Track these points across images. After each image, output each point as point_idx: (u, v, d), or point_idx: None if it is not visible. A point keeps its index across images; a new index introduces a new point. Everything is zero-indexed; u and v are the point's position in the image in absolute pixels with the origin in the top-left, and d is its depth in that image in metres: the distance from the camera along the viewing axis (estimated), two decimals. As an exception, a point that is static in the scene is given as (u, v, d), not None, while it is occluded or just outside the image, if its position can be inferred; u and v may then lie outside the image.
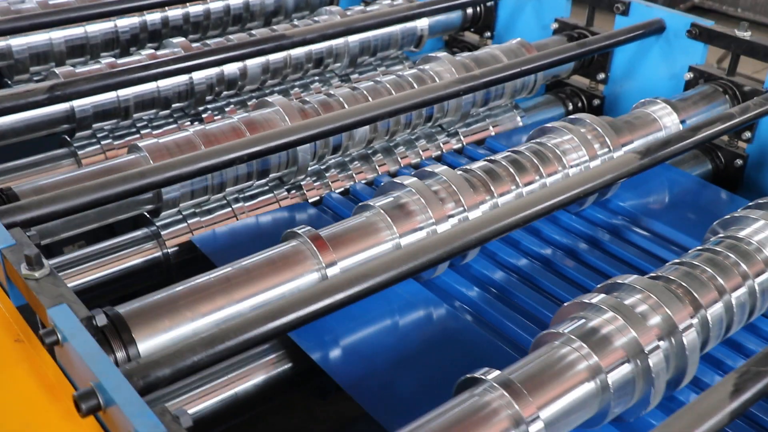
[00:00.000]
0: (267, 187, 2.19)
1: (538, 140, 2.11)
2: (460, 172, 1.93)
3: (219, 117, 2.57)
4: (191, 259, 2.04)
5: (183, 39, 2.56)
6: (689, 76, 2.57)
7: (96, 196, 1.62)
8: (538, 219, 1.71)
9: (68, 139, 2.37)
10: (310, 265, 1.65)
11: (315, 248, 1.66)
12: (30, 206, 1.56)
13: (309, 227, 1.71)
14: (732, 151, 2.47)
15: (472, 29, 3.23)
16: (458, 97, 2.28)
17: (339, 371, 1.58)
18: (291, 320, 1.33)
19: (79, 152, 2.34)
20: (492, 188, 1.92)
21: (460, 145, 2.52)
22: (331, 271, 1.65)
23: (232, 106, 2.62)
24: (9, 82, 2.68)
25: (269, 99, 2.20)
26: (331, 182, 2.27)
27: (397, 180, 1.87)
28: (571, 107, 2.87)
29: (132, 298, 1.55)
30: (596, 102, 2.86)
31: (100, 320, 1.30)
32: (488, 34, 3.18)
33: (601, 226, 2.11)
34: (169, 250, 2.03)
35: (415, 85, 2.38)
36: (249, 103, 2.64)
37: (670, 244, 2.03)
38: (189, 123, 2.53)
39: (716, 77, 2.52)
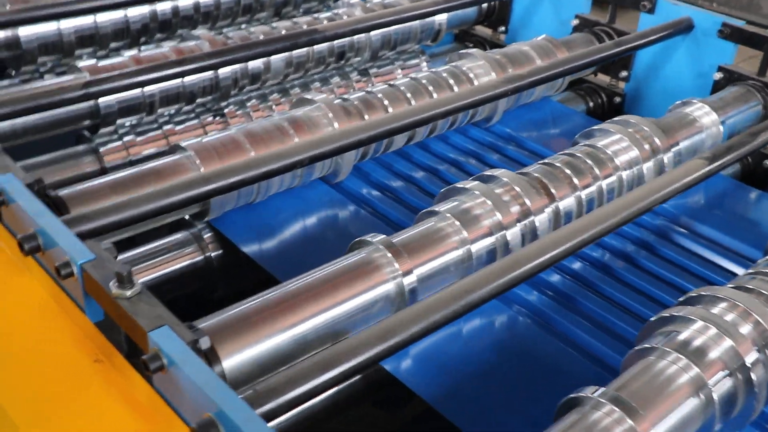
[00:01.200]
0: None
1: (588, 142, 2.07)
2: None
3: (240, 112, 2.47)
4: (234, 262, 1.97)
5: (206, 32, 2.45)
6: (719, 76, 2.55)
7: (161, 203, 1.52)
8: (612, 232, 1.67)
9: (87, 135, 2.26)
10: (385, 275, 1.57)
11: (390, 256, 1.59)
12: (95, 215, 1.46)
13: (381, 235, 1.63)
14: (761, 152, 2.47)
15: (485, 23, 3.17)
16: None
17: (415, 381, 1.53)
18: (398, 341, 1.26)
19: (101, 149, 2.23)
20: (553, 191, 1.88)
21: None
22: (408, 280, 1.58)
23: (253, 100, 2.52)
24: (12, 74, 2.54)
25: (308, 96, 2.11)
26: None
27: (459, 185, 1.81)
28: (591, 105, 2.84)
29: (175, 302, 1.48)
30: (617, 100, 2.84)
31: (204, 343, 1.21)
32: (502, 28, 3.13)
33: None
34: (212, 254, 1.94)
35: (453, 83, 2.31)
36: (270, 98, 2.55)
37: (720, 248, 2.02)
38: (212, 118, 2.43)
39: (747, 77, 2.51)
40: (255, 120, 2.04)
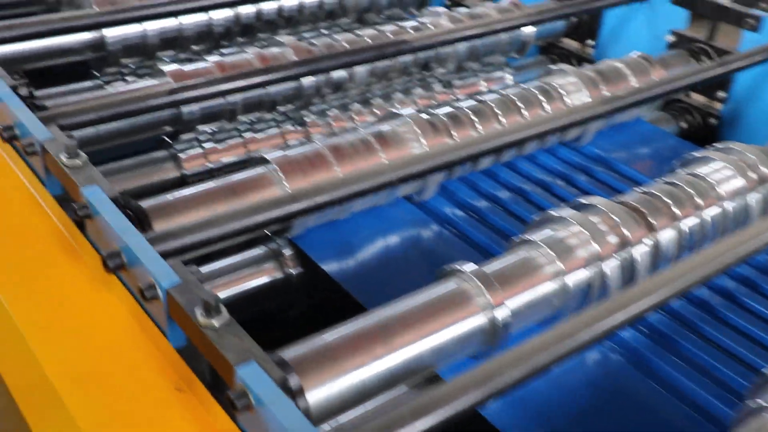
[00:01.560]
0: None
1: (689, 170, 1.95)
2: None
3: (321, 122, 2.41)
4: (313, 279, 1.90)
5: (291, 38, 2.40)
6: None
7: (247, 222, 1.46)
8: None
9: (167, 140, 2.23)
10: (477, 307, 1.49)
11: (482, 287, 1.50)
12: (180, 233, 1.41)
13: (470, 264, 1.55)
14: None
15: (573, 36, 3.06)
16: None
17: (507, 423, 1.45)
18: (498, 387, 1.18)
19: (181, 155, 2.19)
20: (652, 222, 1.77)
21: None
22: (501, 313, 1.50)
23: (335, 110, 2.46)
24: (97, 75, 2.53)
25: (395, 110, 2.04)
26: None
27: (554, 212, 1.72)
28: (685, 126, 2.71)
29: (255, 320, 1.44)
30: (713, 122, 2.70)
31: (294, 382, 1.14)
32: (591, 42, 3.01)
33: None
34: (293, 270, 1.89)
35: (544, 100, 2.22)
36: (352, 108, 2.48)
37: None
38: (292, 127, 2.37)
39: None
40: (339, 132, 1.97)
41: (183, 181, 2.19)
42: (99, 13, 2.28)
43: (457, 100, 2.43)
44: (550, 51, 3.11)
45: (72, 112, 1.76)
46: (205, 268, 1.82)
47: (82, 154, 1.50)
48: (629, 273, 1.70)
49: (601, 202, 1.75)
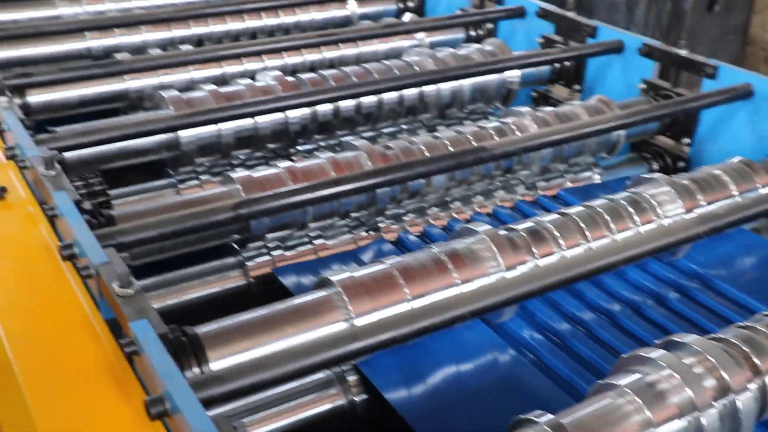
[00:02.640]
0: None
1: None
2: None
3: (395, 227, 2.31)
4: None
5: (366, 142, 2.31)
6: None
7: (306, 362, 1.36)
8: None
9: (234, 245, 2.17)
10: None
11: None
12: (234, 375, 1.32)
13: (546, 414, 1.40)
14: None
15: (667, 133, 2.90)
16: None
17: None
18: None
19: (248, 263, 2.12)
20: (757, 363, 1.58)
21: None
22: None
23: (411, 215, 2.35)
24: (172, 173, 2.51)
25: (471, 226, 1.92)
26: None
27: (642, 352, 1.55)
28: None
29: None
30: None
31: None
32: (686, 140, 2.84)
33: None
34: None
35: (634, 212, 2.06)
36: (429, 212, 2.37)
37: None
38: (365, 233, 2.27)
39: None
40: (410, 255, 1.85)
41: (249, 290, 2.12)
42: (175, 116, 2.27)
43: (544, 210, 2.33)
44: (643, 148, 2.94)
45: (133, 229, 1.70)
46: (263, 395, 1.71)
47: (135, 282, 1.43)
48: (732, 424, 1.51)
49: (695, 341, 1.58)
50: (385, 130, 2.86)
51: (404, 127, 2.90)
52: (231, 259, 2.13)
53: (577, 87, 3.18)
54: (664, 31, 5.86)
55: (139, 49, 3.30)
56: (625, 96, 2.95)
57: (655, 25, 5.90)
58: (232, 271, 2.11)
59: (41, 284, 1.68)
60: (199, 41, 3.45)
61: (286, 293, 1.99)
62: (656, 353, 1.54)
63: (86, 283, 1.63)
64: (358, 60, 3.27)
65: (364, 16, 3.81)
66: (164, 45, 3.36)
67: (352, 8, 3.79)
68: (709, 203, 2.18)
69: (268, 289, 2.09)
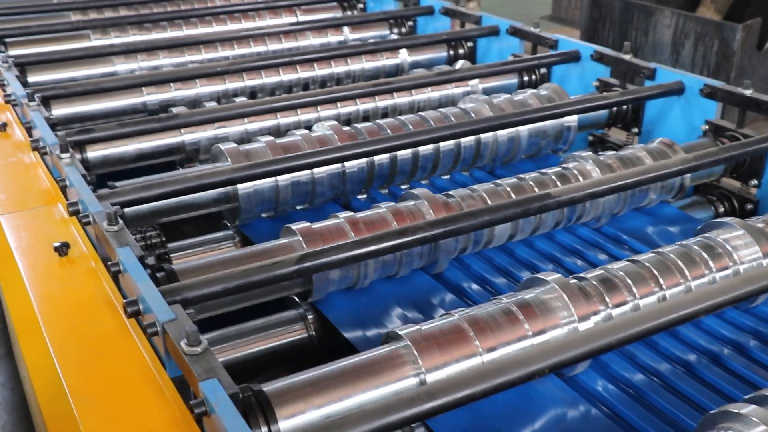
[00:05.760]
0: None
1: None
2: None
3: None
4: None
5: (426, 190, 2.27)
6: None
7: (378, 423, 1.30)
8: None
9: (295, 298, 2.13)
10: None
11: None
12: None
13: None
14: None
15: (733, 175, 2.81)
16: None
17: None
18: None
19: (309, 317, 2.08)
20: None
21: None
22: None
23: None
24: (228, 225, 2.50)
25: (540, 275, 1.86)
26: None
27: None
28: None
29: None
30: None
31: None
32: (754, 182, 2.76)
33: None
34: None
35: (708, 259, 1.98)
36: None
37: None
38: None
39: None
40: (478, 306, 1.79)
41: (312, 342, 2.08)
42: (234, 168, 2.25)
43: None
44: (708, 191, 2.86)
45: (199, 284, 1.69)
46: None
47: (203, 340, 1.40)
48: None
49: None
50: (444, 177, 2.82)
51: (464, 173, 2.86)
52: (292, 312, 2.10)
53: (635, 130, 3.12)
54: (712, 71, 5.80)
55: (193, 103, 3.34)
56: (686, 138, 2.89)
57: (702, 65, 5.80)
58: (293, 324, 2.07)
59: (105, 341, 1.66)
60: (252, 93, 3.48)
61: (349, 346, 1.95)
62: (747, 409, 1.45)
63: (151, 340, 1.61)
64: (412, 108, 3.26)
65: (416, 65, 3.82)
66: (218, 97, 3.40)
67: (403, 57, 3.79)
68: (787, 248, 2.09)
69: (330, 342, 2.06)
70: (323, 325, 2.07)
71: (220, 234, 2.48)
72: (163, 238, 2.30)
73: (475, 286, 2.21)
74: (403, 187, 2.72)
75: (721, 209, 2.78)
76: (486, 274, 2.25)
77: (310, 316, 2.08)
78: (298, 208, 2.57)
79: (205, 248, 2.43)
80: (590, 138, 3.26)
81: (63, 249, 1.99)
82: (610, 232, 2.47)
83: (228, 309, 2.00)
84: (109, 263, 1.73)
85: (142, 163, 2.84)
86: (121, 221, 1.81)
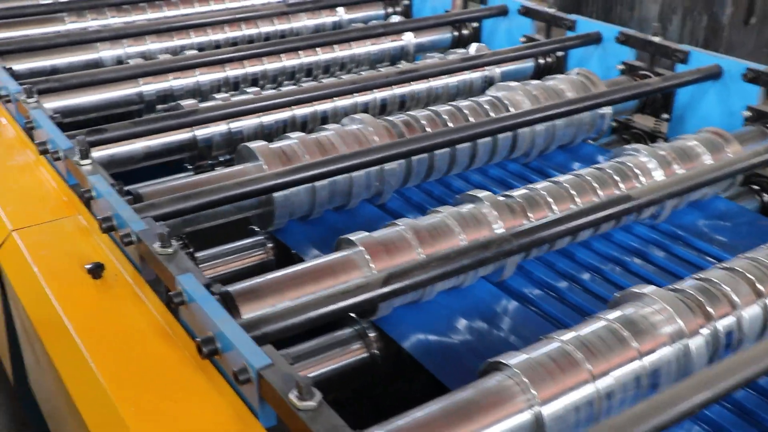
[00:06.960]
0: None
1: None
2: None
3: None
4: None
5: (489, 194, 2.10)
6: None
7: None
8: None
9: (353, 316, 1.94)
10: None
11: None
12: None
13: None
14: None
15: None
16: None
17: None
18: None
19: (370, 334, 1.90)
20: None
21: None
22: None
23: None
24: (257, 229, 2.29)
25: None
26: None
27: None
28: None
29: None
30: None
31: None
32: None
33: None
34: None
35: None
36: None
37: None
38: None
39: None
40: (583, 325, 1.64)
41: (374, 361, 1.89)
42: (276, 173, 2.06)
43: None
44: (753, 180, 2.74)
45: (276, 316, 1.56)
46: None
47: (317, 392, 1.21)
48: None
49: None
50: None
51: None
52: (349, 330, 1.91)
53: (665, 116, 2.99)
54: (701, 47, 5.73)
55: (193, 92, 3.11)
56: (723, 125, 2.75)
57: (690, 41, 5.73)
58: (353, 343, 1.88)
59: (175, 387, 1.44)
60: (254, 80, 3.26)
61: (415, 365, 1.78)
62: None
63: (233, 384, 1.40)
64: (429, 95, 3.08)
65: (420, 47, 3.70)
66: (219, 86, 3.17)
67: (408, 39, 3.62)
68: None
69: (394, 362, 1.88)
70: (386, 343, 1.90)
71: (250, 240, 2.27)
72: (191, 249, 2.09)
73: (537, 291, 2.06)
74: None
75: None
76: (548, 279, 2.10)
77: (371, 334, 1.90)
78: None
79: (235, 257, 2.23)
80: (614, 124, 3.12)
81: (97, 271, 1.76)
82: (666, 229, 2.33)
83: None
84: (170, 294, 1.51)
85: (150, 162, 2.61)
86: (175, 243, 1.60)
